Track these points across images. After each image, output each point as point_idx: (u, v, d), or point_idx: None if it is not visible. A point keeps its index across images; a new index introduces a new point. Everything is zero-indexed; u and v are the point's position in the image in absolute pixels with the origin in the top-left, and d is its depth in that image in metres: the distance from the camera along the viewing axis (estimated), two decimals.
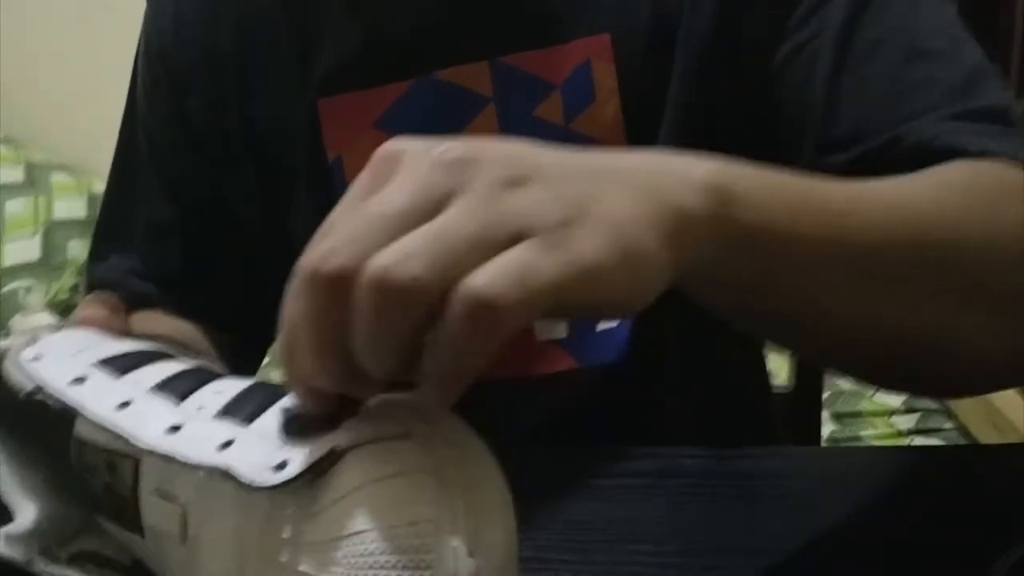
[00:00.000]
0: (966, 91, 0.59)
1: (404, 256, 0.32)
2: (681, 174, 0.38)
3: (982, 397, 1.70)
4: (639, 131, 0.67)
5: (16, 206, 2.06)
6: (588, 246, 0.34)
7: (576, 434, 0.69)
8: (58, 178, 2.10)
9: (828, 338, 0.48)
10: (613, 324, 0.69)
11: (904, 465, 0.60)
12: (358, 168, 0.63)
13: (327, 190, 0.69)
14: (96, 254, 0.78)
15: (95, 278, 0.77)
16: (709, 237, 0.38)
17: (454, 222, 0.33)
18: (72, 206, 2.07)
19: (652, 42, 0.67)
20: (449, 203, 0.33)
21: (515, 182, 0.34)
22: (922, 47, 0.60)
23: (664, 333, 0.70)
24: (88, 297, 0.62)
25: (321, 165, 0.69)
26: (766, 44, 0.65)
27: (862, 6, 0.62)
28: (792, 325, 0.47)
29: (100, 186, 2.11)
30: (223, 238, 0.76)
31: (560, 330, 0.70)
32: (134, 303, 0.71)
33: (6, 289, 1.98)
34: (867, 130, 0.59)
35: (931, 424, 1.85)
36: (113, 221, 0.78)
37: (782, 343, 0.56)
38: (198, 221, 0.75)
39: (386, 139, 0.59)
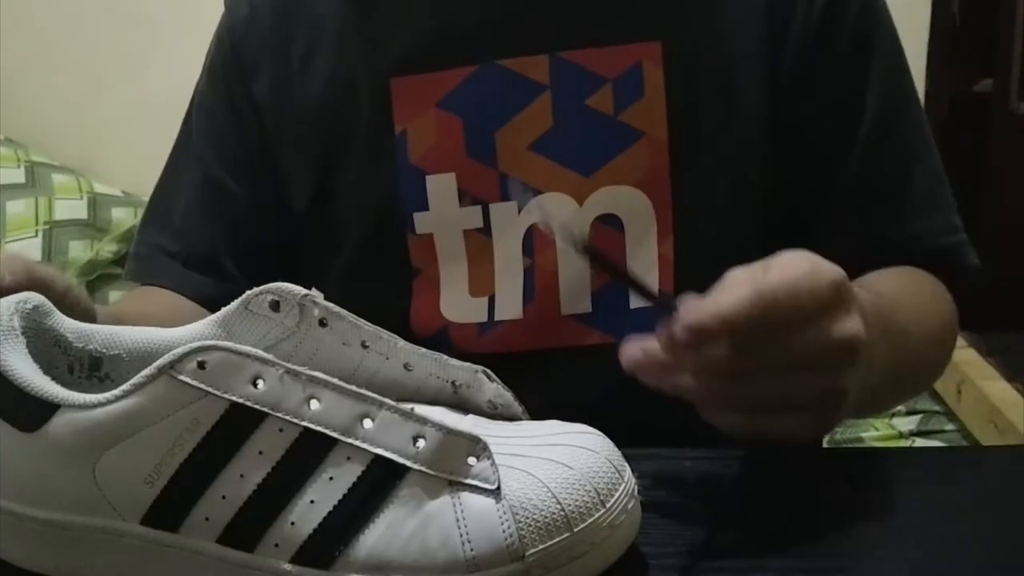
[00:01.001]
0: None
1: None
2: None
3: (983, 398, 1.70)
4: (682, 130, 0.74)
5: (17, 206, 2.05)
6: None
7: (631, 408, 0.69)
8: (58, 178, 2.09)
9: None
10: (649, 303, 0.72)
11: (904, 466, 0.60)
12: (419, 141, 0.78)
13: (390, 160, 0.75)
14: (139, 231, 0.87)
15: (131, 252, 0.87)
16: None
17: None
18: (72, 206, 2.06)
19: (707, 51, 0.75)
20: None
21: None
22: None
23: None
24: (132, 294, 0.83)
25: (387, 138, 0.76)
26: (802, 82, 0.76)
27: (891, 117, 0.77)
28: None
29: (100, 186, 2.12)
30: (267, 216, 0.83)
31: (584, 305, 0.75)
32: (147, 278, 0.83)
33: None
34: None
35: (932, 426, 1.85)
36: (158, 204, 0.86)
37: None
38: (248, 199, 0.82)
39: (446, 117, 0.77)
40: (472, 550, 0.44)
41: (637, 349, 0.52)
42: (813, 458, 0.66)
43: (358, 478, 0.44)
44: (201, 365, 0.44)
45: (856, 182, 0.76)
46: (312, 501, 0.44)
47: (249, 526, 0.44)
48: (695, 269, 0.71)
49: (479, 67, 0.74)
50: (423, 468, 0.45)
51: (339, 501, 0.44)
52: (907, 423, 1.86)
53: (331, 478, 0.44)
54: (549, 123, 0.74)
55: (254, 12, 0.82)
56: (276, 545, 0.44)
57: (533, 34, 0.74)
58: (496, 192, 0.75)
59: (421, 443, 0.45)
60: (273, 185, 0.82)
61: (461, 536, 0.44)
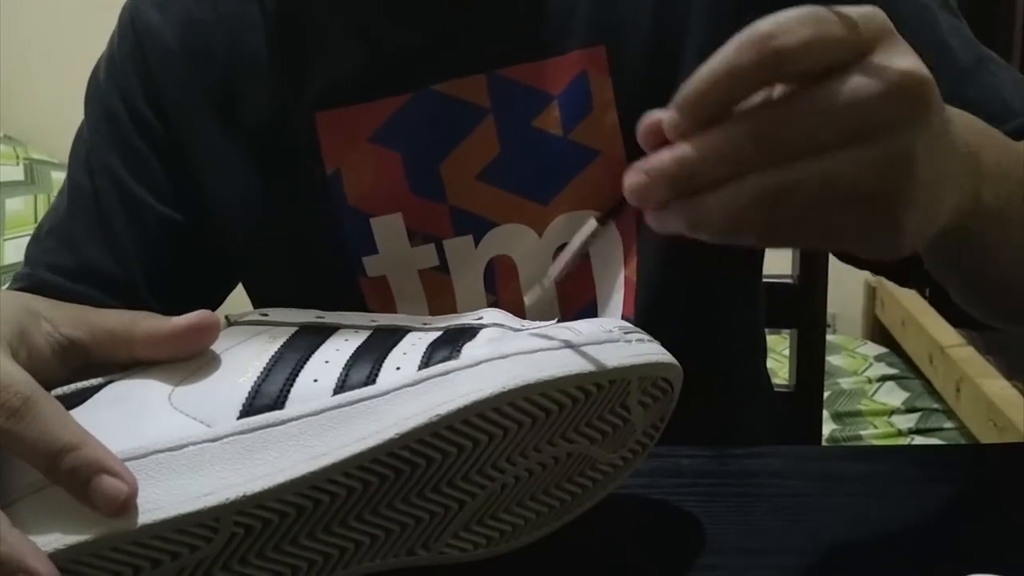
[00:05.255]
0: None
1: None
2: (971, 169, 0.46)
3: (982, 396, 1.71)
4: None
5: (16, 204, 2.06)
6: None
7: None
8: (58, 176, 2.10)
9: (1003, 290, 0.58)
10: None
11: (904, 465, 0.60)
12: (355, 181, 0.69)
13: (326, 203, 0.69)
14: (31, 249, 0.81)
15: (17, 275, 0.80)
16: (963, 217, 0.47)
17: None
18: None
19: (653, 54, 0.67)
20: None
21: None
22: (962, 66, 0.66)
23: (678, 338, 0.70)
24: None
25: (319, 178, 0.69)
26: None
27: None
28: (982, 277, 0.57)
29: None
30: (192, 244, 0.74)
31: None
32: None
33: (6, 287, 1.99)
34: None
35: (931, 424, 1.85)
36: (60, 217, 0.80)
37: (965, 295, 0.61)
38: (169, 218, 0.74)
39: (383, 152, 0.68)
40: (579, 332, 0.48)
41: (638, 173, 0.41)
42: (811, 456, 0.66)
43: (439, 336, 0.48)
44: (263, 314, 0.48)
45: None
46: (413, 343, 0.47)
47: (362, 368, 0.45)
48: (660, 290, 0.69)
49: (412, 95, 0.68)
50: (494, 323, 0.48)
51: (436, 338, 0.47)
52: (906, 421, 1.87)
53: (413, 344, 0.47)
54: (496, 149, 0.68)
55: (168, 52, 0.72)
56: (398, 368, 0.45)
57: (467, 53, 0.68)
58: (449, 228, 0.69)
59: (484, 318, 0.49)
60: (200, 222, 0.74)
61: (560, 328, 0.49)
